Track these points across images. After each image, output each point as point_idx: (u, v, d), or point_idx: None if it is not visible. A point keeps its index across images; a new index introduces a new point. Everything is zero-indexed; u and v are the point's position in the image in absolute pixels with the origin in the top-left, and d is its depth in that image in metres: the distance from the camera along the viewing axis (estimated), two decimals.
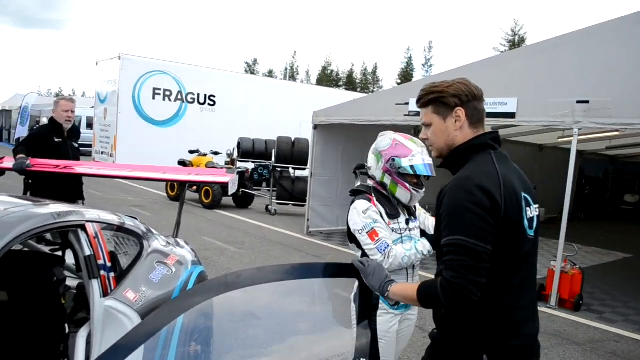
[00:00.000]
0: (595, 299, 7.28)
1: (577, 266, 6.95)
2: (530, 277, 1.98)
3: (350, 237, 2.83)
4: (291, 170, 13.81)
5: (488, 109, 6.55)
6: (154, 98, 19.72)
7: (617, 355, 5.26)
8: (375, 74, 72.76)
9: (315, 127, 10.31)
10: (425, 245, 2.75)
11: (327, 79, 75.32)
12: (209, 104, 20.84)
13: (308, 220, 10.55)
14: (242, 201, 13.63)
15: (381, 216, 2.71)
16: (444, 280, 1.75)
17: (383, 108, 8.91)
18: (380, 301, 2.55)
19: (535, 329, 1.99)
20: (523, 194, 1.90)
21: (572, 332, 5.91)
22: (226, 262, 7.65)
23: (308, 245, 9.44)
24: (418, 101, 2.03)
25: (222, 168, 11.43)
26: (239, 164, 14.53)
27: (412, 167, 2.67)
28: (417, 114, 7.98)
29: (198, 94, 20.64)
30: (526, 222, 1.88)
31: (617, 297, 7.47)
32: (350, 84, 70.65)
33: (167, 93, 20.06)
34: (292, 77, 75.03)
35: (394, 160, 2.69)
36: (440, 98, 1.95)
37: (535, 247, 1.97)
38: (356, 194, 2.88)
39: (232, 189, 4.73)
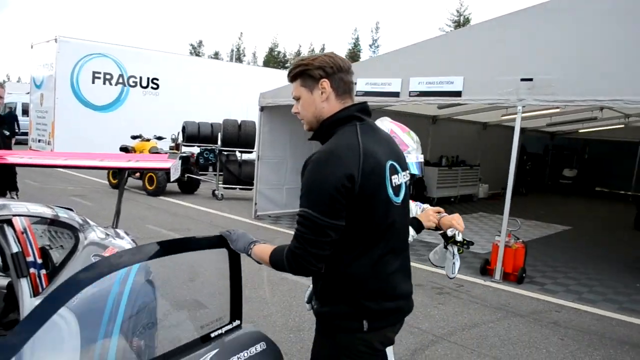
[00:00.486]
0: (538, 271, 7.52)
1: (520, 240, 7.15)
2: (401, 242, 2.12)
3: None
4: (238, 154, 13.63)
5: (434, 87, 6.60)
6: (93, 82, 19.00)
7: (559, 325, 5.44)
8: None
9: (262, 109, 10.14)
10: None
11: (274, 60, 74.58)
12: (152, 88, 20.25)
13: (256, 204, 10.43)
14: (188, 187, 13.35)
15: None
16: (288, 248, 1.92)
17: None
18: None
19: (409, 291, 2.15)
20: (389, 163, 2.01)
21: (516, 304, 6.08)
22: None
23: (256, 230, 9.33)
24: (288, 76, 2.08)
25: (165, 153, 11.12)
26: (184, 149, 14.22)
27: (412, 164, 2.57)
28: (365, 94, 8.00)
29: (140, 77, 20.01)
30: (391, 190, 1.99)
31: (558, 269, 7.75)
32: None
33: (108, 77, 19.35)
34: (239, 59, 73.96)
35: None
36: (306, 71, 2.00)
37: (404, 213, 2.14)
38: None
39: (174, 175, 4.55)
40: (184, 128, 13.96)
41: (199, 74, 20.76)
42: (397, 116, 11.71)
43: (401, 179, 2.07)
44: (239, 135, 12.79)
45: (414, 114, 11.89)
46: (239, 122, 12.99)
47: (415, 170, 2.55)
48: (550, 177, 21.05)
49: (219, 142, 12.80)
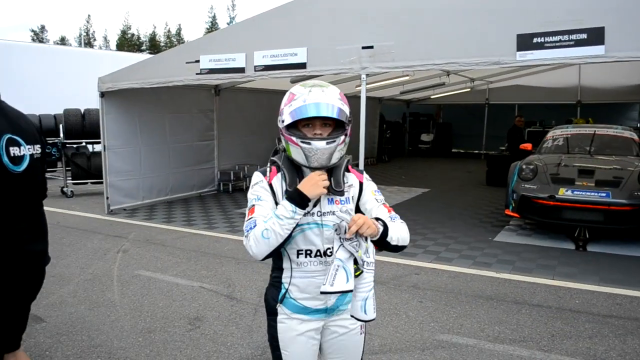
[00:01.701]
0: None
1: None
2: (34, 207, 2.57)
3: None
4: (90, 147, 12.54)
5: (279, 60, 6.32)
6: None
7: (418, 287, 5.52)
8: (179, 35, 70.05)
9: (103, 94, 9.29)
10: (286, 208, 1.91)
11: (128, 43, 70.77)
12: None
13: (107, 198, 9.62)
14: None
15: (278, 193, 2.05)
16: None
17: (174, 67, 8.26)
18: (283, 305, 2.09)
19: (44, 248, 2.65)
20: (8, 136, 2.35)
21: (377, 272, 6.08)
22: None
23: (109, 226, 8.60)
24: None
25: None
26: None
27: (292, 113, 1.96)
28: (210, 71, 7.55)
29: None
30: (7, 160, 2.33)
31: (417, 231, 7.96)
32: (155, 47, 67.00)
33: None
34: (89, 44, 69.09)
35: (280, 115, 2.06)
36: None
37: (31, 181, 2.50)
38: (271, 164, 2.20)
39: None
40: None
41: (33, 62, 18.77)
42: (251, 93, 11.34)
43: (24, 151, 2.42)
44: (84, 125, 11.72)
45: (268, 90, 11.62)
46: (83, 111, 11.90)
47: (309, 112, 1.93)
48: (410, 143, 22.00)
49: (61, 135, 11.64)
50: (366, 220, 1.85)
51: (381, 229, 1.93)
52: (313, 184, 1.90)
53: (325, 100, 1.93)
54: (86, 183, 11.93)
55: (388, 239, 1.97)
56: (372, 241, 1.91)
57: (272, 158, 2.12)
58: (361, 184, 2.13)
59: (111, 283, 5.68)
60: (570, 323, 4.55)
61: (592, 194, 6.89)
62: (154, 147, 10.45)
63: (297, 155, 1.98)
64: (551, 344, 4.16)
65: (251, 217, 1.97)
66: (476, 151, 20.58)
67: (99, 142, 11.85)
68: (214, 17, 62.75)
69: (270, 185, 2.04)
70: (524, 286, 5.52)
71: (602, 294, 5.25)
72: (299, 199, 1.88)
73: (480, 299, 5.17)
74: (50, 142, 11.65)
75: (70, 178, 11.85)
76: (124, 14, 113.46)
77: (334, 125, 1.99)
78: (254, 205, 2.01)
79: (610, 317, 4.67)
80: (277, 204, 2.00)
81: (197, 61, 7.81)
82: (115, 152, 9.72)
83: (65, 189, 11.69)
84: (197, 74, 7.89)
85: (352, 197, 2.09)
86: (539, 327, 4.48)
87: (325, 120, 1.97)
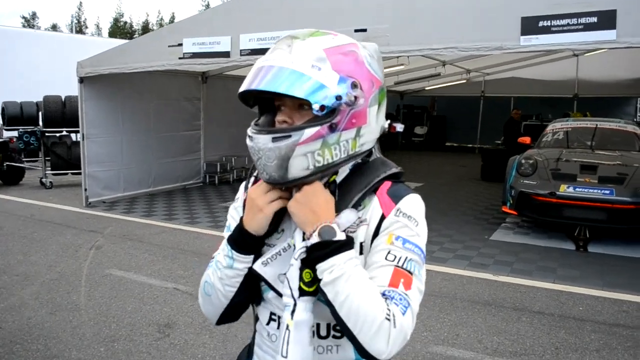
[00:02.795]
0: None
1: None
2: None
3: None
4: (73, 135, 12.07)
5: (267, 44, 5.79)
6: None
7: None
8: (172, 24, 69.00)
9: (82, 80, 8.80)
10: (223, 251, 1.28)
11: (120, 31, 69.80)
12: None
13: (86, 190, 9.15)
14: (10, 177, 11.59)
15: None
16: None
17: (156, 51, 7.79)
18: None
19: None
20: None
21: None
22: None
23: (85, 219, 8.15)
24: None
25: None
26: (5, 133, 12.37)
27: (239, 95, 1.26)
28: (193, 55, 7.10)
29: None
30: None
31: None
32: None
33: None
34: (80, 31, 68.13)
35: None
36: None
37: None
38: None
39: None
40: (3, 110, 12.17)
41: (13, 48, 18.14)
42: (240, 81, 11.04)
43: None
44: (64, 113, 11.23)
45: None
46: (63, 98, 11.40)
47: (247, 85, 1.19)
48: (403, 135, 21.55)
49: (41, 123, 11.16)
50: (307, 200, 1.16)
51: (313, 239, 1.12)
52: (249, 208, 1.22)
53: (276, 62, 1.14)
54: (66, 174, 11.44)
55: (319, 271, 1.10)
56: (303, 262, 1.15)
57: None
58: (382, 219, 1.19)
59: (78, 283, 5.25)
60: (574, 333, 4.16)
61: (595, 191, 6.50)
62: (136, 136, 9.98)
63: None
64: (555, 357, 3.77)
65: (213, 256, 1.33)
66: (470, 145, 20.19)
67: (78, 131, 11.42)
68: (207, 5, 61.72)
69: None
70: (523, 290, 5.13)
71: (607, 300, 4.87)
72: (238, 236, 1.23)
73: (477, 305, 4.77)
74: (29, 130, 11.17)
75: (49, 168, 11.37)
76: (117, 1, 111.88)
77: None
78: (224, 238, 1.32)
79: (617, 327, 4.29)
80: None
81: (180, 44, 7.35)
82: (95, 141, 9.26)
83: (44, 180, 11.22)
84: (180, 58, 7.43)
85: (363, 242, 1.19)
86: (541, 337, 4.09)
87: (294, 100, 1.16)
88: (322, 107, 1.11)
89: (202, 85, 11.17)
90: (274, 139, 1.14)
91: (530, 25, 5.39)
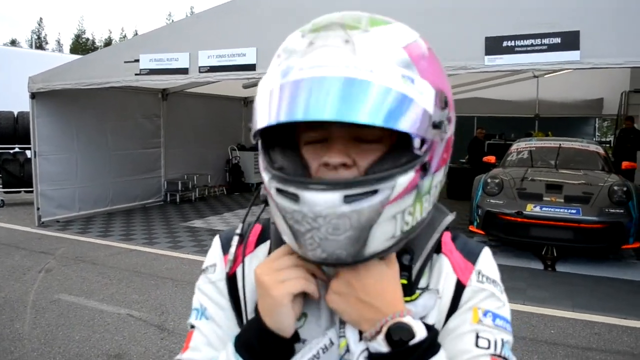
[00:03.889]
0: None
1: None
2: None
3: None
4: (28, 152, 11.54)
5: (226, 61, 5.59)
6: None
7: None
8: None
9: (34, 95, 8.42)
10: None
11: (82, 47, 68.82)
12: None
13: (38, 209, 8.70)
14: None
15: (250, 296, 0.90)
16: None
17: (112, 67, 7.50)
18: None
19: None
20: None
21: None
22: None
23: (38, 240, 7.71)
24: None
25: None
26: None
27: (257, 109, 0.75)
28: (150, 72, 6.84)
29: None
30: None
31: None
32: None
33: None
34: (41, 47, 66.85)
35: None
36: None
37: None
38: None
39: None
40: None
41: None
42: (201, 98, 10.60)
43: None
44: (17, 129, 10.76)
45: (220, 96, 10.93)
46: (16, 113, 10.93)
47: (288, 115, 0.73)
48: None
49: None
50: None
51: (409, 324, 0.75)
52: (262, 298, 0.81)
53: (338, 70, 0.68)
54: (19, 192, 10.93)
55: None
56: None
57: (252, 211, 0.98)
58: (460, 288, 0.86)
59: (24, 310, 4.87)
60: (547, 358, 4.03)
61: (562, 210, 6.46)
62: (92, 154, 9.59)
63: (278, 222, 0.78)
64: None
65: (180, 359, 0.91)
66: None
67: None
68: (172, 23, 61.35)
69: (231, 280, 0.93)
70: None
71: (578, 322, 4.77)
72: (257, 342, 0.80)
73: None
74: None
75: (1, 186, 10.84)
76: (78, 18, 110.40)
77: (392, 141, 0.76)
78: (192, 327, 0.93)
79: (590, 350, 4.18)
80: (241, 319, 0.91)
81: (137, 60, 7.09)
82: (48, 159, 8.85)
83: None
84: (136, 74, 7.15)
85: (439, 320, 0.85)
86: None
87: (351, 129, 0.74)
88: (423, 142, 0.72)
89: (162, 102, 10.86)
90: (348, 198, 0.68)
91: (494, 46, 5.36)
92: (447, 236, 0.90)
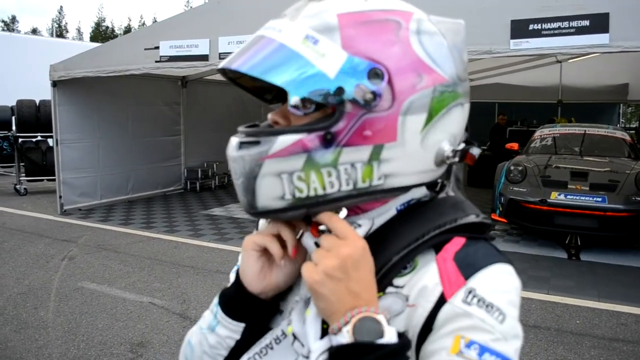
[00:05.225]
0: None
1: None
2: None
3: None
4: (49, 140, 11.68)
5: None
6: None
7: None
8: None
9: (55, 84, 8.47)
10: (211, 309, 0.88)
11: (102, 35, 69.38)
12: None
13: (60, 197, 8.80)
14: None
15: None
16: None
17: (132, 54, 7.50)
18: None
19: None
20: None
21: None
22: None
23: (60, 228, 7.80)
24: None
25: None
26: None
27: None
28: (170, 59, 6.81)
29: None
30: None
31: None
32: None
33: None
34: (61, 35, 67.45)
35: None
36: None
37: None
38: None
39: None
40: None
41: (1, 51, 17.65)
42: (222, 86, 10.57)
43: None
44: (39, 118, 10.85)
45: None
46: (38, 102, 11.02)
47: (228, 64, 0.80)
48: None
49: (14, 127, 10.77)
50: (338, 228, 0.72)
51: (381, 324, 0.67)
52: (243, 252, 0.82)
53: (268, 31, 0.76)
54: (42, 180, 11.06)
55: None
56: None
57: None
58: (440, 303, 0.71)
59: (47, 298, 4.93)
60: (573, 349, 3.96)
61: (587, 198, 6.33)
62: (113, 141, 9.65)
63: None
64: None
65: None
66: None
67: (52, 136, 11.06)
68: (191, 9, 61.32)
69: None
70: None
71: (604, 312, 4.67)
72: (231, 290, 0.84)
73: None
74: (2, 135, 10.78)
75: (24, 174, 10.97)
76: (98, 6, 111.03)
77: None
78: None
79: (616, 341, 4.10)
80: None
81: (157, 47, 7.08)
82: (70, 147, 8.91)
83: (18, 187, 10.82)
84: (156, 61, 7.15)
85: (407, 332, 0.72)
86: (539, 354, 3.87)
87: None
88: (306, 102, 0.71)
89: (182, 89, 10.87)
90: (242, 145, 0.74)
91: (520, 29, 5.22)
92: (457, 241, 0.75)
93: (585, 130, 8.32)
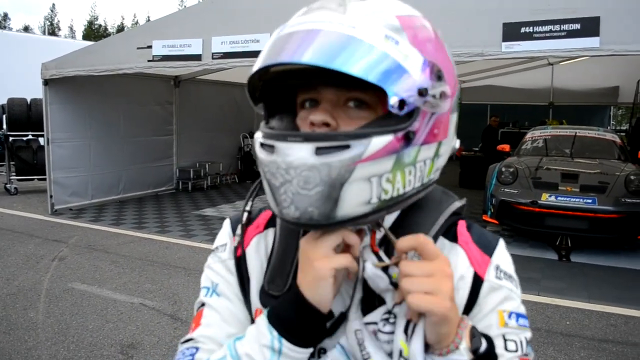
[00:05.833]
0: None
1: None
2: None
3: None
4: (41, 140, 11.61)
5: (240, 47, 5.53)
6: None
7: None
8: None
9: (46, 82, 8.42)
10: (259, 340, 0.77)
11: (94, 34, 69.00)
12: None
13: (51, 197, 8.75)
14: None
15: (254, 275, 0.92)
16: None
17: (125, 53, 7.47)
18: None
19: None
20: None
21: None
22: None
23: (50, 228, 7.75)
24: None
25: None
26: None
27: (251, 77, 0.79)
28: (163, 58, 6.79)
29: None
30: None
31: None
32: None
33: None
34: (53, 33, 67.05)
35: None
36: None
37: None
38: None
39: None
40: None
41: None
42: (215, 86, 10.57)
43: None
44: (30, 116, 10.77)
45: (234, 83, 10.88)
46: (29, 100, 10.94)
47: (271, 59, 0.75)
48: None
49: (4, 126, 10.69)
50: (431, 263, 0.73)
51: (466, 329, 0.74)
52: (304, 269, 0.77)
53: (325, 24, 0.71)
54: (32, 179, 10.99)
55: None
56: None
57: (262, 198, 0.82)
58: (478, 282, 0.84)
59: (37, 298, 4.90)
60: (563, 350, 3.98)
61: (577, 199, 6.37)
62: (105, 141, 9.61)
63: (264, 182, 0.77)
64: None
65: (190, 338, 0.90)
66: None
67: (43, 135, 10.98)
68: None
69: (240, 260, 0.93)
70: None
71: (594, 313, 4.71)
72: (293, 314, 0.76)
73: None
74: None
75: (14, 173, 10.90)
76: (91, 4, 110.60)
77: (383, 112, 0.74)
78: (202, 305, 0.93)
79: (606, 342, 4.13)
80: (248, 300, 0.90)
81: (150, 47, 7.05)
82: (61, 146, 8.86)
83: (8, 186, 10.74)
84: (149, 61, 7.12)
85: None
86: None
87: (336, 85, 0.76)
88: (402, 103, 0.69)
89: (175, 89, 10.83)
90: (319, 151, 0.68)
91: (512, 32, 5.25)
92: (462, 226, 0.89)
93: (576, 133, 8.37)
